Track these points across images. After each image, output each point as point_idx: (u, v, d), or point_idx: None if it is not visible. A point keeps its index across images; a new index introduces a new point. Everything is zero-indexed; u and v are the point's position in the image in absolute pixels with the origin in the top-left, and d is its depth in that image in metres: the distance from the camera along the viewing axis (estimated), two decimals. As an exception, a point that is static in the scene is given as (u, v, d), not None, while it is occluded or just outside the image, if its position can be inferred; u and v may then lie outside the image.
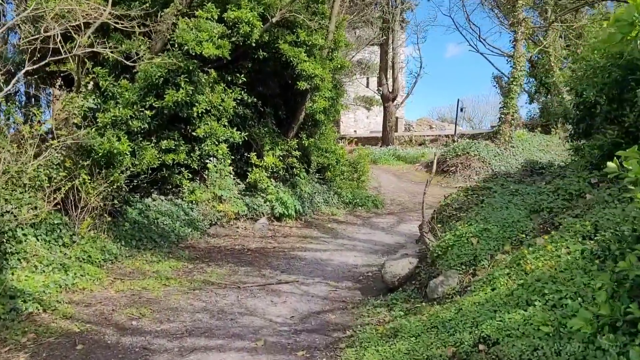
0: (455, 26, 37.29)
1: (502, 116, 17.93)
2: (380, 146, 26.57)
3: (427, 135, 32.82)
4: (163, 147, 9.27)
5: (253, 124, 11.33)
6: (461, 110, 42.78)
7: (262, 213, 10.96)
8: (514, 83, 17.63)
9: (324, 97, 12.17)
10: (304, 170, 12.43)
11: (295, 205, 11.33)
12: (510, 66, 18.35)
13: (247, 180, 10.96)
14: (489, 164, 17.05)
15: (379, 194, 15.07)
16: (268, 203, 11.08)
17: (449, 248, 5.36)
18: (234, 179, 11.01)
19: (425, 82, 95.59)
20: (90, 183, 7.83)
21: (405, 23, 34.04)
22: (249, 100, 10.69)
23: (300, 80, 10.78)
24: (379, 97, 30.53)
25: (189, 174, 9.97)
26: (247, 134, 10.67)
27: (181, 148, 9.61)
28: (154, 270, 7.14)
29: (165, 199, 9.65)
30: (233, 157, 10.95)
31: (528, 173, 8.25)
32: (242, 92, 10.49)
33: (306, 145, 12.61)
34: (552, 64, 20.07)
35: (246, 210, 10.63)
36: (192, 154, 9.91)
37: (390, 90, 30.65)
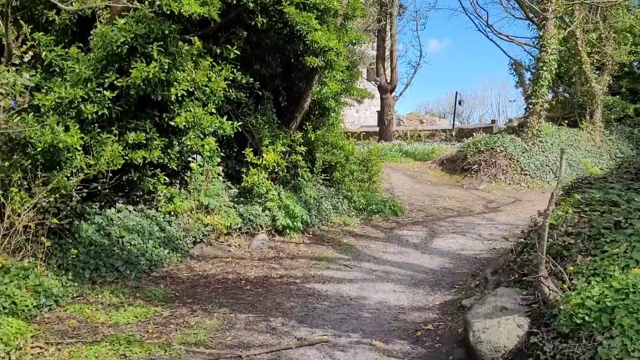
0: (463, 9, 34.84)
1: (530, 106, 15.86)
2: (378, 141, 24.44)
3: (424, 130, 30.86)
4: (130, 141, 6.96)
5: (249, 111, 9.06)
6: (459, 103, 41.00)
7: (261, 225, 8.71)
8: (543, 68, 15.56)
9: (336, 80, 9.95)
10: (307, 169, 10.21)
11: (302, 215, 9.11)
12: (537, 50, 16.31)
13: (242, 184, 8.70)
14: (517, 161, 14.98)
15: (394, 197, 12.90)
16: (268, 212, 8.84)
17: (605, 312, 3.18)
18: (225, 182, 8.76)
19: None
20: (20, 192, 5.54)
21: (403, 9, 32.07)
22: (244, 81, 8.41)
23: (309, 55, 8.54)
24: (372, 89, 28.42)
25: (166, 177, 7.69)
26: (241, 124, 8.41)
27: (155, 142, 7.31)
28: (111, 324, 4.87)
29: (135, 210, 7.37)
30: (223, 155, 8.69)
31: (632, 176, 6.12)
32: (235, 70, 8.21)
33: (312, 139, 10.38)
34: (580, 48, 18.03)
35: (240, 222, 8.38)
36: (169, 151, 7.62)
37: (389, 80, 28.59)
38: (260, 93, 9.17)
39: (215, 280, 6.55)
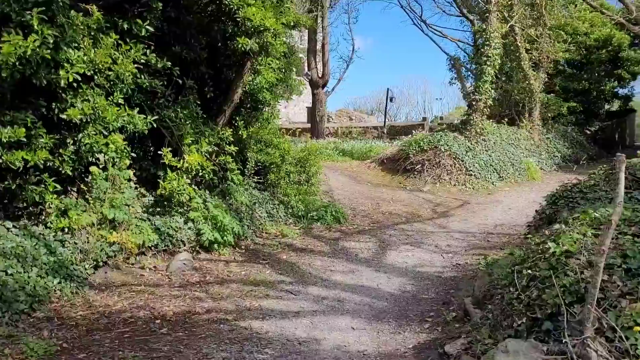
0: (397, 1, 34.34)
1: (473, 103, 15.30)
2: (311, 138, 23.35)
3: (355, 127, 30.20)
4: (3, 139, 5.34)
5: (166, 103, 7.57)
6: (391, 100, 40.82)
7: (183, 241, 7.29)
8: (487, 63, 15.04)
9: (271, 68, 8.67)
10: (238, 172, 8.87)
11: (233, 226, 7.76)
12: (471, 46, 15.81)
13: (159, 192, 7.22)
14: (462, 161, 14.33)
15: (334, 200, 11.79)
16: (192, 225, 7.43)
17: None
18: (137, 189, 7.27)
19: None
20: None
21: (335, 0, 31.28)
22: (160, 66, 6.93)
23: (241, 36, 7.20)
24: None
25: (58, 185, 6.11)
26: (157, 118, 6.94)
27: (41, 141, 5.72)
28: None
29: (15, 227, 5.76)
30: (135, 155, 7.18)
31: (628, 183, 5.30)
32: (149, 51, 6.73)
33: (244, 136, 9.05)
34: (519, 44, 17.79)
35: (157, 239, 6.93)
36: (62, 151, 6.06)
37: (320, 75, 27.68)
38: (181, 81, 7.69)
39: (121, 320, 5.09)
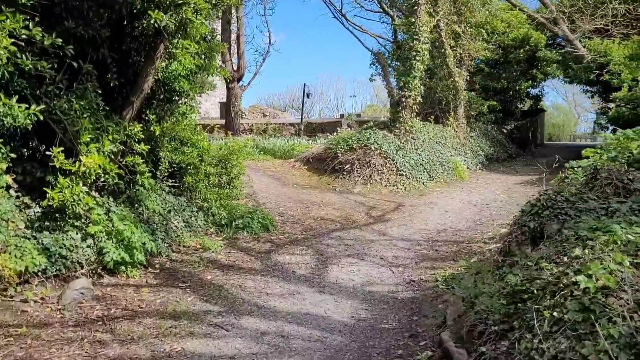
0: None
1: (403, 100, 14.77)
2: (226, 135, 22.03)
3: (271, 124, 29.25)
4: None
5: (57, 91, 6.12)
6: (307, 96, 40.20)
7: (80, 264, 5.94)
8: (416, 58, 14.58)
9: (190, 52, 7.43)
10: (150, 174, 7.56)
11: (144, 242, 6.49)
12: (406, 38, 15.34)
13: (47, 202, 5.80)
14: (393, 160, 13.75)
15: (259, 205, 10.72)
16: (92, 242, 6.08)
17: None
18: (19, 198, 5.82)
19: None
20: None
21: (247, -11, 30.01)
22: (47, 43, 5.51)
23: (154, 9, 5.94)
24: (213, 78, 25.89)
25: None
26: (43, 108, 5.53)
27: None
28: None
29: None
30: (14, 156, 5.72)
31: (615, 190, 4.71)
32: (32, 24, 5.31)
33: (157, 133, 7.75)
34: (444, 40, 17.59)
35: (45, 262, 5.55)
36: None
37: (236, 68, 26.35)
38: (76, 65, 6.26)
39: (-11, 385, 3.76)
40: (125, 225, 6.40)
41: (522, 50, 21.89)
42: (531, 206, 4.99)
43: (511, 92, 23.75)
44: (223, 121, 26.85)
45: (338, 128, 19.85)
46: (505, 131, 24.39)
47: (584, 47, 18.50)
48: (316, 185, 13.43)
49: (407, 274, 6.71)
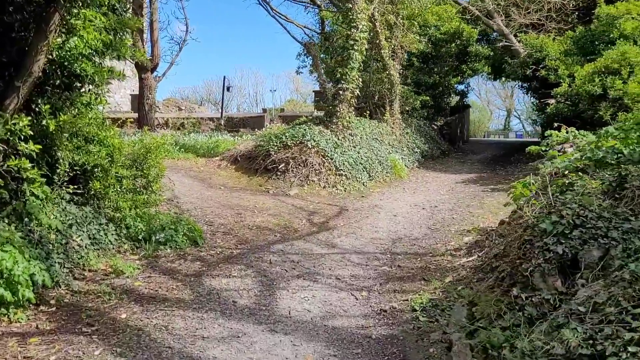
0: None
1: (340, 93, 13.72)
2: (139, 130, 20.09)
3: (189, 118, 27.47)
4: None
5: None
6: (228, 89, 38.63)
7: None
8: (354, 47, 13.59)
9: (94, 26, 5.91)
10: (43, 180, 5.99)
11: (33, 272, 4.96)
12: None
13: None
14: (331, 159, 12.69)
15: (183, 212, 9.28)
16: (-46, 280, 4.48)
17: None
18: None
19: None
20: None
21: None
22: None
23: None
24: (123, 68, 23.78)
25: None
26: None
27: None
28: None
29: None
30: None
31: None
32: None
33: (51, 128, 6.13)
34: (378, 30, 16.76)
35: None
36: None
37: (150, 57, 24.31)
38: None
39: None
40: (5, 251, 4.83)
41: (453, 45, 21.61)
42: (553, 224, 4.02)
43: (441, 88, 23.48)
44: (136, 115, 24.76)
45: (266, 123, 18.54)
46: (435, 127, 24.14)
47: (519, 41, 18.40)
48: (247, 187, 12.10)
49: (373, 300, 5.61)
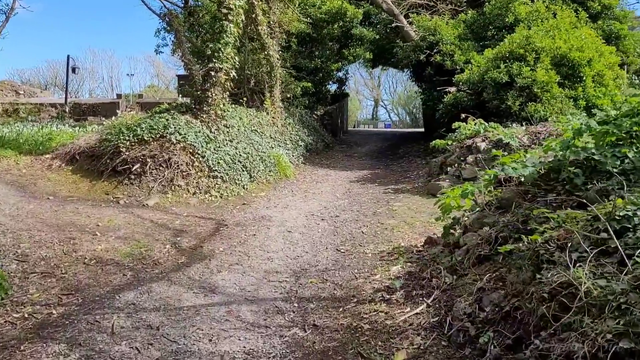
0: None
1: (212, 74, 11.17)
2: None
3: (25, 104, 23.16)
4: None
5: None
6: (73, 71, 33.97)
7: None
8: (228, 17, 11.12)
9: None
10: None
11: None
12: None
13: None
14: (203, 157, 10.18)
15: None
16: None
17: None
18: None
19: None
20: None
21: None
22: None
23: None
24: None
25: None
26: None
27: None
28: None
29: None
30: None
31: None
32: None
33: None
34: (255, 2, 14.41)
35: None
36: None
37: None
38: None
39: None
40: None
41: (336, 26, 19.89)
42: None
43: (321, 74, 21.74)
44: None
45: (120, 111, 15.38)
46: (316, 117, 22.41)
47: (411, 24, 17.11)
48: (87, 197, 9.21)
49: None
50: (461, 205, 6.44)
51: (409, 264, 6.06)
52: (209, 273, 6.08)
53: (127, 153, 9.80)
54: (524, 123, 11.29)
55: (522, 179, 5.53)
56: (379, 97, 72.38)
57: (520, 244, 4.20)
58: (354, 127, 60.65)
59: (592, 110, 11.96)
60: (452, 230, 6.50)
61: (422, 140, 20.41)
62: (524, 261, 4.02)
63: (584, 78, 11.74)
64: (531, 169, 5.18)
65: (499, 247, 4.57)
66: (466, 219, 6.06)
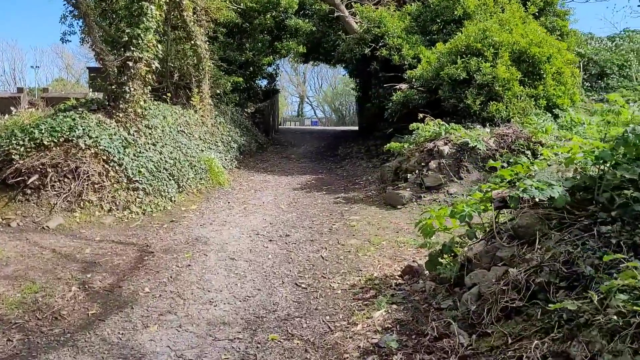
0: None
1: (130, 64, 9.43)
2: None
3: None
4: None
5: None
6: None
7: None
8: (150, -2, 9.43)
9: None
10: None
11: None
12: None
13: None
14: (120, 165, 8.47)
15: None
16: None
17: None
18: None
19: None
20: None
21: None
22: None
23: None
24: None
25: None
26: None
27: None
28: None
29: None
30: None
31: None
32: None
33: None
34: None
35: None
36: None
37: None
38: None
39: None
40: None
41: (269, 16, 18.42)
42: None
43: (252, 68, 20.21)
44: None
45: (12, 108, 13.12)
46: (247, 115, 20.85)
47: (354, 14, 15.94)
48: (-32, 219, 7.29)
49: None
50: (448, 227, 5.31)
51: (394, 306, 4.80)
52: (132, 330, 4.54)
53: (21, 162, 7.92)
54: (486, 124, 10.40)
55: (537, 200, 4.39)
56: (304, 93, 71.30)
57: (583, 303, 3.03)
58: (280, 124, 59.17)
59: (554, 110, 11.36)
60: (440, 259, 5.34)
61: (360, 139, 19.39)
62: (595, 331, 2.86)
63: (544, 75, 11.02)
64: (559, 188, 4.06)
65: (541, 301, 3.40)
66: (466, 249, 4.88)
